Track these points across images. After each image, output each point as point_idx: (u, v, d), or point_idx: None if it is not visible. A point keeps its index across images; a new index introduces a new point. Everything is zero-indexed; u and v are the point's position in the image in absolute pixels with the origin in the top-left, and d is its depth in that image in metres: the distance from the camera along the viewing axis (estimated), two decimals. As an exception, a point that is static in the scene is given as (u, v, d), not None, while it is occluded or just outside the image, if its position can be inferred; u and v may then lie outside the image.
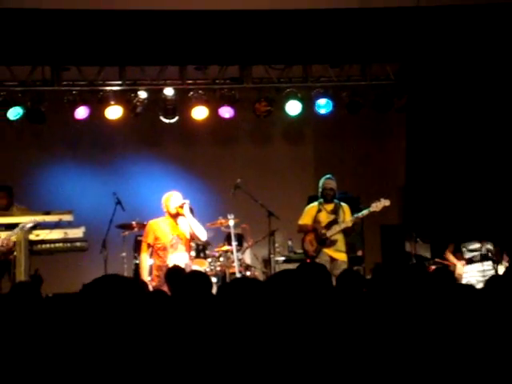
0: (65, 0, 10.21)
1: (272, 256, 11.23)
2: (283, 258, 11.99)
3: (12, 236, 9.56)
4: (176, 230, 9.44)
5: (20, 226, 9.74)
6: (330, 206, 10.47)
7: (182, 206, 9.40)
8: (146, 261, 9.43)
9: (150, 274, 9.44)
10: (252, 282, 3.92)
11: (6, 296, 4.37)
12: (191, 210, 10.27)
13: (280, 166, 13.57)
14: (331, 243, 10.32)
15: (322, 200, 10.50)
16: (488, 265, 9.76)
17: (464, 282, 9.48)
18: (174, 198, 9.53)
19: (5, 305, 4.07)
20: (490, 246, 9.79)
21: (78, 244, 10.60)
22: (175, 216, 9.47)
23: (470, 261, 9.83)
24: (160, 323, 3.68)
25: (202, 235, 9.51)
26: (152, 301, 3.93)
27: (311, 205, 10.66)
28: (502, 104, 11.02)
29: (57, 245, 10.56)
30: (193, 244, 10.64)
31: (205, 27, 10.70)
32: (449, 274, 5.79)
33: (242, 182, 11.09)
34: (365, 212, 10.32)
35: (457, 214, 9.81)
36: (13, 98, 11.41)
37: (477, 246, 9.83)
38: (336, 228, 10.32)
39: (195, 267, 9.76)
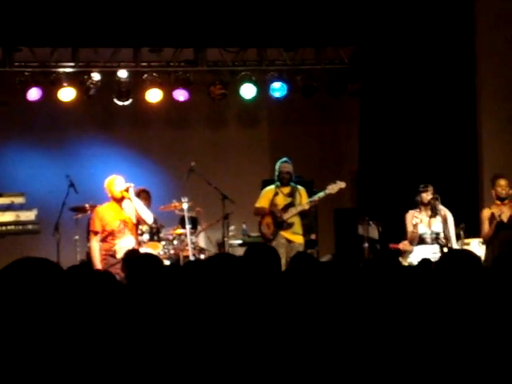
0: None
1: (226, 239, 11.22)
2: (238, 242, 12.00)
3: None
4: (122, 214, 9.34)
5: None
6: (286, 189, 10.47)
7: (127, 190, 9.29)
8: (95, 248, 9.32)
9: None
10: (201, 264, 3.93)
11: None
12: (143, 192, 10.24)
13: (235, 150, 13.57)
14: (288, 226, 10.33)
15: (278, 183, 10.50)
16: (436, 248, 9.76)
17: (409, 261, 9.51)
18: (117, 182, 9.40)
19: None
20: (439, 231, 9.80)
21: (30, 227, 10.54)
22: (120, 200, 9.36)
23: (421, 241, 9.80)
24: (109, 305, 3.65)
25: (149, 218, 9.43)
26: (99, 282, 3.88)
27: (268, 188, 10.66)
28: (454, 89, 11.11)
29: (8, 227, 10.49)
30: (146, 227, 10.60)
31: (159, 9, 10.65)
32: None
33: (196, 165, 11.05)
34: (321, 194, 10.33)
35: (407, 197, 9.86)
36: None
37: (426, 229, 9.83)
38: (293, 211, 10.33)
39: (148, 250, 9.72)
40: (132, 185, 9.29)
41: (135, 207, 9.30)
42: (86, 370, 2.95)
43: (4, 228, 10.46)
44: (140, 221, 9.43)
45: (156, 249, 10.53)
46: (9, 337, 2.87)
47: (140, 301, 4.12)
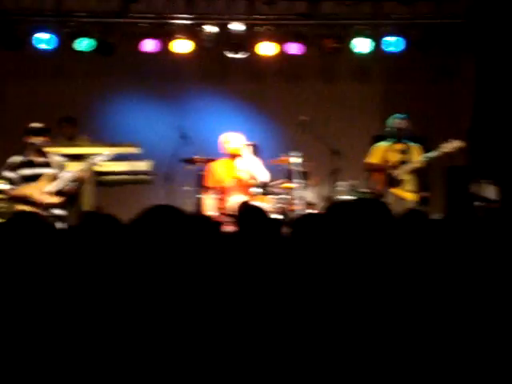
0: None
1: (335, 195, 11.16)
2: (347, 197, 11.90)
3: (86, 166, 9.47)
4: (235, 171, 9.41)
5: (91, 158, 9.62)
6: (399, 146, 10.27)
7: (240, 147, 9.34)
8: (208, 204, 9.43)
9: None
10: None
11: (74, 228, 4.37)
12: (256, 148, 10.25)
13: (347, 104, 13.42)
14: (400, 183, 10.19)
15: (391, 139, 10.32)
16: None
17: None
18: (233, 139, 9.46)
19: (73, 235, 4.08)
20: None
21: (143, 177, 10.71)
22: (234, 157, 9.42)
23: None
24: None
25: (263, 176, 9.46)
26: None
27: (379, 143, 10.48)
28: None
29: (123, 176, 10.68)
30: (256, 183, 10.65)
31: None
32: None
33: (307, 119, 11.00)
34: (435, 153, 10.11)
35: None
36: (81, 29, 11.46)
37: None
38: (405, 168, 10.16)
39: (258, 204, 9.76)
40: (247, 141, 9.32)
41: (250, 164, 9.33)
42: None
43: (119, 177, 10.67)
44: (253, 178, 9.46)
45: (266, 202, 10.57)
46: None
47: (252, 255, 4.13)
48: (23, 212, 7.15)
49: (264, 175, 9.42)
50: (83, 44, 11.43)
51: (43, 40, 11.36)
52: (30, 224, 4.01)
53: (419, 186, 10.81)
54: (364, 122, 13.10)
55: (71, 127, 11.28)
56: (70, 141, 11.11)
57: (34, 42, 11.37)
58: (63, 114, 11.49)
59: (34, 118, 10.14)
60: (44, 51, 11.56)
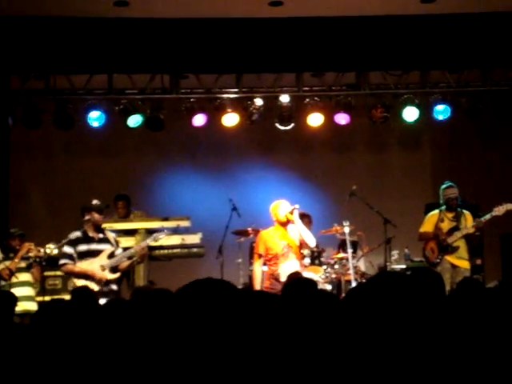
0: (184, 9, 10.38)
1: (388, 264, 11.08)
2: (400, 266, 11.81)
3: (145, 244, 9.67)
4: (286, 238, 9.43)
5: (153, 236, 9.79)
6: (451, 214, 10.28)
7: (291, 212, 9.39)
8: (258, 271, 9.46)
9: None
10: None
11: (127, 302, 4.40)
12: (305, 216, 10.27)
13: (396, 173, 13.41)
14: (453, 250, 10.12)
15: (443, 208, 10.32)
16: None
17: None
18: (282, 206, 9.53)
19: (126, 311, 4.10)
20: None
21: (195, 250, 10.75)
22: (285, 224, 9.47)
23: None
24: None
25: (311, 241, 9.48)
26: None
27: (432, 212, 10.48)
28: None
29: (175, 250, 10.74)
30: (308, 251, 10.63)
31: (321, 34, 10.72)
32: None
33: (357, 188, 11.00)
34: (487, 216, 10.05)
35: None
36: (133, 105, 11.66)
37: None
38: (457, 234, 10.12)
39: (309, 274, 9.72)
40: (297, 206, 9.39)
41: (299, 230, 9.37)
42: None
43: (170, 251, 10.72)
44: (303, 244, 9.49)
45: (317, 273, 10.54)
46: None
47: (295, 324, 4.09)
48: (80, 288, 7.26)
49: (312, 240, 9.45)
50: (134, 120, 11.61)
51: (94, 118, 11.57)
52: (85, 301, 4.04)
53: (473, 252, 10.70)
54: (415, 190, 13.06)
55: (125, 205, 11.41)
56: (125, 218, 11.22)
57: (85, 120, 11.58)
58: (114, 190, 11.62)
59: (82, 194, 10.31)
60: (95, 129, 11.77)
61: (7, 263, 9.70)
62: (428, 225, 10.36)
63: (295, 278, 7.46)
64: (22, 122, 11.40)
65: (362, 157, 13.55)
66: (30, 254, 9.76)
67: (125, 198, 11.49)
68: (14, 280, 9.63)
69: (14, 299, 6.17)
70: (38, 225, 12.37)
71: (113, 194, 11.44)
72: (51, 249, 9.59)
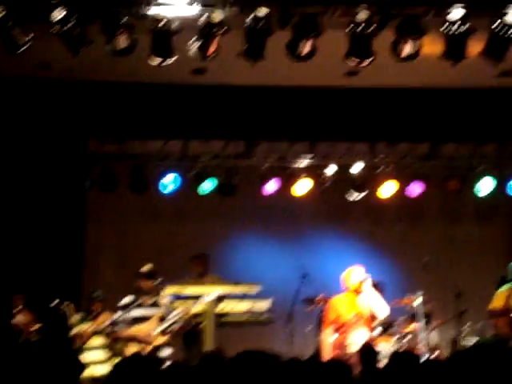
0: (259, 77, 10.49)
1: (460, 337, 10.84)
2: (471, 341, 11.53)
3: (192, 308, 9.70)
4: (357, 306, 9.33)
5: (202, 298, 9.86)
6: (522, 290, 10.06)
7: (362, 282, 9.30)
8: (326, 339, 9.35)
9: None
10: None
11: (194, 368, 4.38)
12: (380, 286, 10.15)
13: (470, 245, 13.18)
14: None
15: (512, 284, 10.10)
16: None
17: None
18: (354, 274, 9.45)
19: (194, 376, 4.08)
20: None
21: (264, 316, 10.67)
22: (356, 292, 9.38)
23: None
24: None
25: (383, 312, 9.35)
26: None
27: (502, 288, 10.25)
28: None
29: (243, 317, 10.68)
30: (378, 322, 10.48)
31: (396, 104, 10.73)
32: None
33: (430, 260, 10.85)
34: None
35: None
36: (206, 171, 11.78)
37: None
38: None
39: (381, 345, 9.56)
40: (369, 276, 9.29)
41: (371, 299, 9.26)
42: None
43: (239, 317, 10.68)
44: (375, 314, 9.37)
45: (388, 343, 10.35)
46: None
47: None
48: (132, 356, 7.24)
49: (384, 311, 9.31)
50: (207, 186, 11.72)
51: (168, 182, 11.72)
52: (139, 366, 4.03)
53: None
54: (488, 263, 12.80)
55: (203, 264, 11.43)
56: (200, 278, 11.24)
57: (159, 184, 11.73)
58: (185, 255, 11.66)
59: (154, 258, 10.37)
60: (167, 193, 11.89)
61: (84, 326, 9.82)
62: (497, 301, 10.11)
63: (368, 349, 7.33)
64: (97, 186, 11.60)
65: (434, 227, 13.38)
66: (100, 326, 9.86)
67: (201, 256, 11.51)
68: (86, 345, 9.74)
69: (81, 367, 6.17)
70: (111, 287, 12.45)
71: (185, 258, 11.50)
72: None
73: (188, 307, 9.60)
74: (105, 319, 9.86)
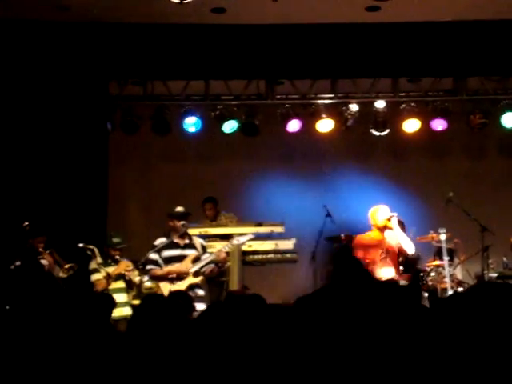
0: (279, 15, 10.40)
1: (485, 272, 10.86)
2: (497, 275, 11.56)
3: (225, 249, 9.80)
4: (384, 243, 9.36)
5: (233, 240, 9.95)
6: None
7: (389, 219, 9.31)
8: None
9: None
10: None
11: (221, 303, 4.42)
12: (401, 224, 10.14)
13: (495, 180, 13.12)
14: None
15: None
16: None
17: None
18: (381, 211, 9.46)
19: (220, 312, 4.11)
20: None
21: (288, 255, 10.76)
22: (382, 229, 9.40)
23: None
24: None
25: (410, 249, 9.37)
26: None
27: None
28: None
29: (268, 256, 10.77)
30: (402, 258, 10.50)
31: (419, 39, 10.60)
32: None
33: (454, 195, 10.83)
34: None
35: None
36: (228, 111, 11.75)
37: None
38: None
39: (405, 282, 9.61)
40: (395, 214, 9.30)
41: (397, 237, 9.28)
42: None
43: (264, 256, 10.77)
44: (401, 251, 9.39)
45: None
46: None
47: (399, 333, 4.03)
48: (157, 295, 7.34)
49: (411, 248, 9.34)
50: (229, 126, 11.71)
51: (191, 124, 11.72)
52: (164, 305, 4.07)
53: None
54: (512, 198, 12.77)
55: (212, 207, 11.50)
56: (213, 221, 11.32)
57: (182, 125, 11.73)
58: (210, 195, 11.71)
59: (178, 200, 10.42)
60: (190, 134, 11.90)
61: (109, 270, 9.93)
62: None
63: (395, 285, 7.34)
64: (120, 128, 11.61)
65: (459, 163, 13.32)
66: (126, 272, 9.97)
67: (212, 199, 11.58)
68: (109, 287, 9.85)
69: (113, 303, 6.27)
70: (134, 230, 12.56)
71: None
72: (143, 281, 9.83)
73: (220, 249, 9.69)
74: (125, 266, 9.99)
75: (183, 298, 7.32)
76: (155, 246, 9.43)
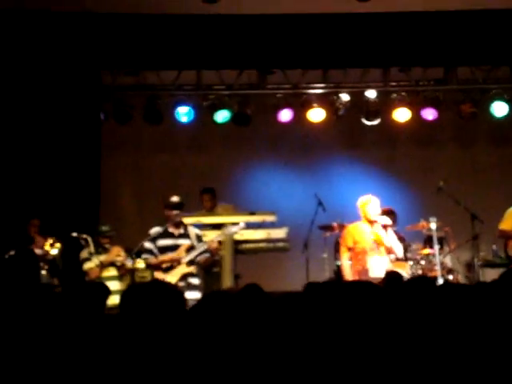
0: (271, 5, 10.44)
1: (476, 260, 10.95)
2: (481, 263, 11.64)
3: (217, 239, 9.84)
4: (374, 234, 9.45)
5: (225, 229, 10.01)
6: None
7: (377, 220, 9.47)
8: (346, 264, 9.50)
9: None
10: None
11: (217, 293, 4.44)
12: (392, 213, 10.25)
13: (484, 169, 13.20)
14: (536, 248, 9.97)
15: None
16: None
17: None
18: (372, 205, 9.54)
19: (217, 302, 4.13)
20: None
21: (280, 244, 10.79)
22: (372, 222, 9.50)
23: None
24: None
25: (399, 252, 9.53)
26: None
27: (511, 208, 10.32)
28: None
29: (260, 244, 10.80)
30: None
31: (409, 28, 10.66)
32: None
33: (444, 184, 10.90)
34: None
35: None
36: (220, 101, 11.80)
37: None
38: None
39: (396, 270, 9.69)
40: (389, 223, 9.43)
41: (389, 239, 9.42)
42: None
43: (256, 245, 10.80)
44: (390, 251, 9.53)
45: (403, 268, 10.47)
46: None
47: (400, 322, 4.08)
48: (155, 281, 7.39)
49: (400, 251, 9.51)
50: (221, 116, 11.76)
51: (183, 113, 11.76)
52: (160, 293, 4.09)
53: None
54: (503, 186, 12.83)
55: (211, 198, 11.55)
56: (211, 211, 11.37)
57: (174, 115, 11.77)
58: (201, 185, 11.75)
59: (170, 189, 10.48)
60: (182, 124, 11.95)
61: (101, 258, 9.97)
62: (507, 222, 10.16)
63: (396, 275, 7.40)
64: (113, 118, 11.65)
65: (449, 152, 13.39)
66: (118, 258, 10.03)
67: (211, 191, 11.62)
68: (101, 275, 9.90)
69: (107, 291, 6.29)
70: (126, 219, 12.62)
71: (200, 189, 11.59)
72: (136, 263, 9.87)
73: (212, 239, 9.74)
74: (117, 252, 10.05)
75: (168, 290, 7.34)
76: (150, 235, 9.49)
